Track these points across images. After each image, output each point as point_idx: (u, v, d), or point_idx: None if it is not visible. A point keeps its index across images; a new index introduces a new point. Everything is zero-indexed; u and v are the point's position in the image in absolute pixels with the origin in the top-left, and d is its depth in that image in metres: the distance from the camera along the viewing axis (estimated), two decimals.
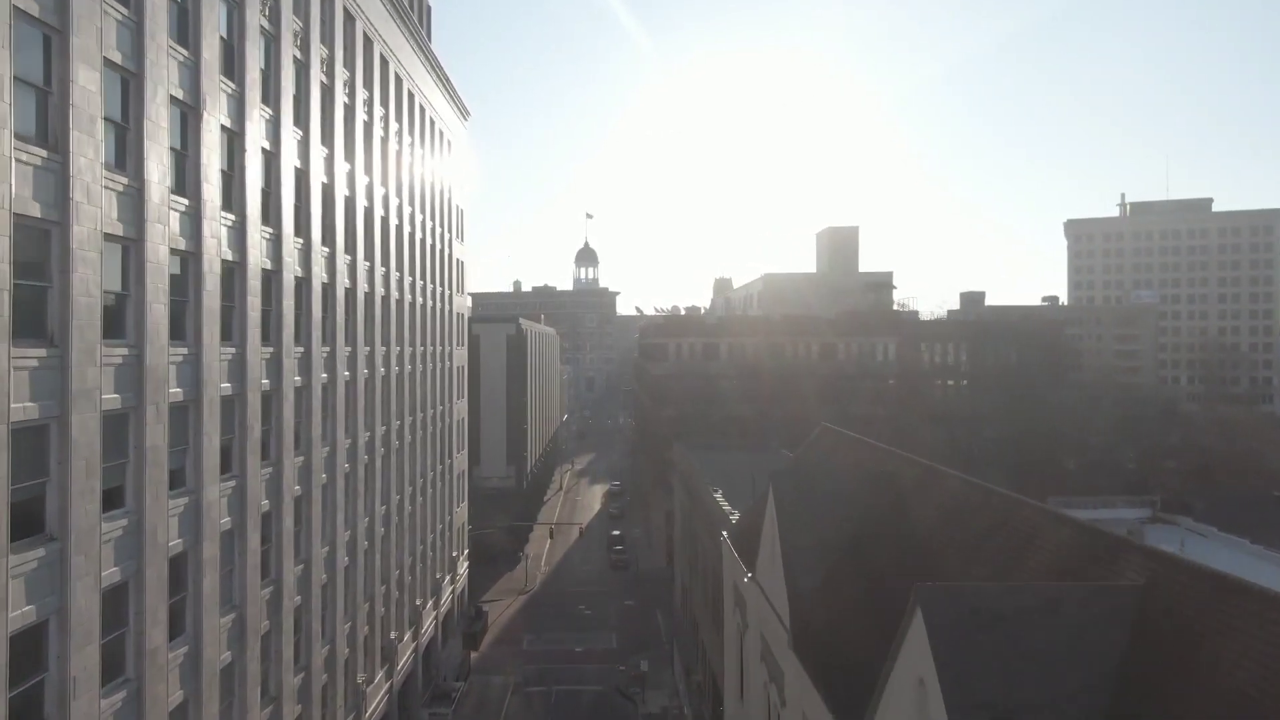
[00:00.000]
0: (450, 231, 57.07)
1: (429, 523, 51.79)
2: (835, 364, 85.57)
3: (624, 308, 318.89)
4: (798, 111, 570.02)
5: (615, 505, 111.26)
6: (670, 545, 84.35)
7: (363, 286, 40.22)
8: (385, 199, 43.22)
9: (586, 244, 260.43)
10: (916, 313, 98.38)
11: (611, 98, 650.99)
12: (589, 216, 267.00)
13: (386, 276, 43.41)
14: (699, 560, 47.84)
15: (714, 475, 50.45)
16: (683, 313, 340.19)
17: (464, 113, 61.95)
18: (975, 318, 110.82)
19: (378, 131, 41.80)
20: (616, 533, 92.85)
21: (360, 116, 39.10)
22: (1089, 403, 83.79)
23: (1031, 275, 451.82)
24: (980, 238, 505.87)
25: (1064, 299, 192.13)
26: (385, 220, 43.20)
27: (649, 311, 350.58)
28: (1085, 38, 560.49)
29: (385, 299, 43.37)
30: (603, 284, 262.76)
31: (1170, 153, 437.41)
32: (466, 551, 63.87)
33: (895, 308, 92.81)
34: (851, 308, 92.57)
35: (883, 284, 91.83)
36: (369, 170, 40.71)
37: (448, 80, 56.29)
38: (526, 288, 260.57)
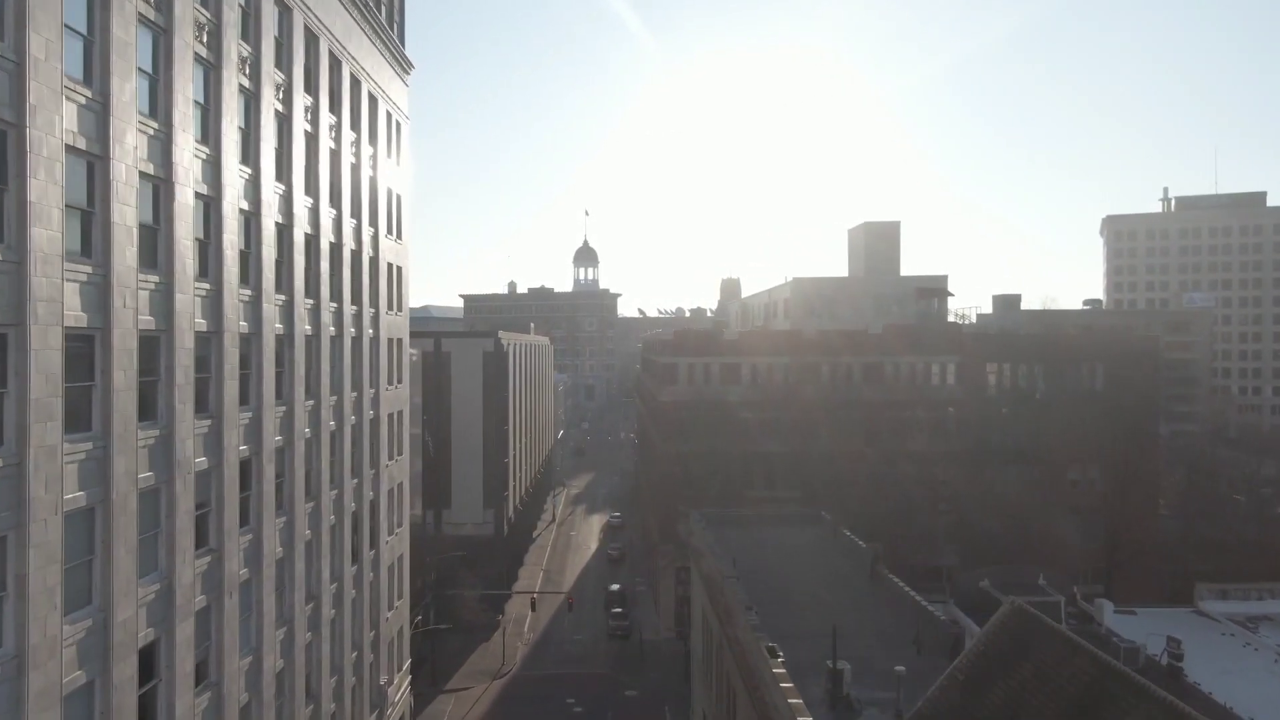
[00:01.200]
0: (379, 228, 41.58)
1: (342, 646, 36.30)
2: (884, 389, 70.10)
3: (626, 309, 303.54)
4: (803, 109, 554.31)
5: (615, 544, 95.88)
6: (680, 609, 68.93)
7: (236, 323, 25.15)
8: (252, 186, 27.81)
9: (585, 243, 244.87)
10: (967, 323, 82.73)
11: (612, 96, 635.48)
12: (587, 213, 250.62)
13: (255, 305, 28.00)
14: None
15: (757, 580, 35.00)
16: (687, 314, 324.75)
17: (403, 65, 46.40)
18: (1045, 329, 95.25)
19: (231, 79, 26.38)
20: (615, 588, 77.54)
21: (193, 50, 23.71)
22: (1209, 436, 68.20)
23: (1054, 277, 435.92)
24: (996, 238, 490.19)
25: (1071, 303, 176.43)
26: (251, 217, 27.77)
27: (651, 314, 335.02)
28: (1112, 26, 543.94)
29: (256, 336, 27.98)
30: (603, 285, 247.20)
31: (1207, 146, 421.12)
32: (408, 664, 48.27)
33: (951, 318, 77.53)
34: (899, 319, 76.98)
35: (936, 290, 76.29)
36: (210, 143, 25.34)
37: (377, 24, 40.75)
38: (522, 289, 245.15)
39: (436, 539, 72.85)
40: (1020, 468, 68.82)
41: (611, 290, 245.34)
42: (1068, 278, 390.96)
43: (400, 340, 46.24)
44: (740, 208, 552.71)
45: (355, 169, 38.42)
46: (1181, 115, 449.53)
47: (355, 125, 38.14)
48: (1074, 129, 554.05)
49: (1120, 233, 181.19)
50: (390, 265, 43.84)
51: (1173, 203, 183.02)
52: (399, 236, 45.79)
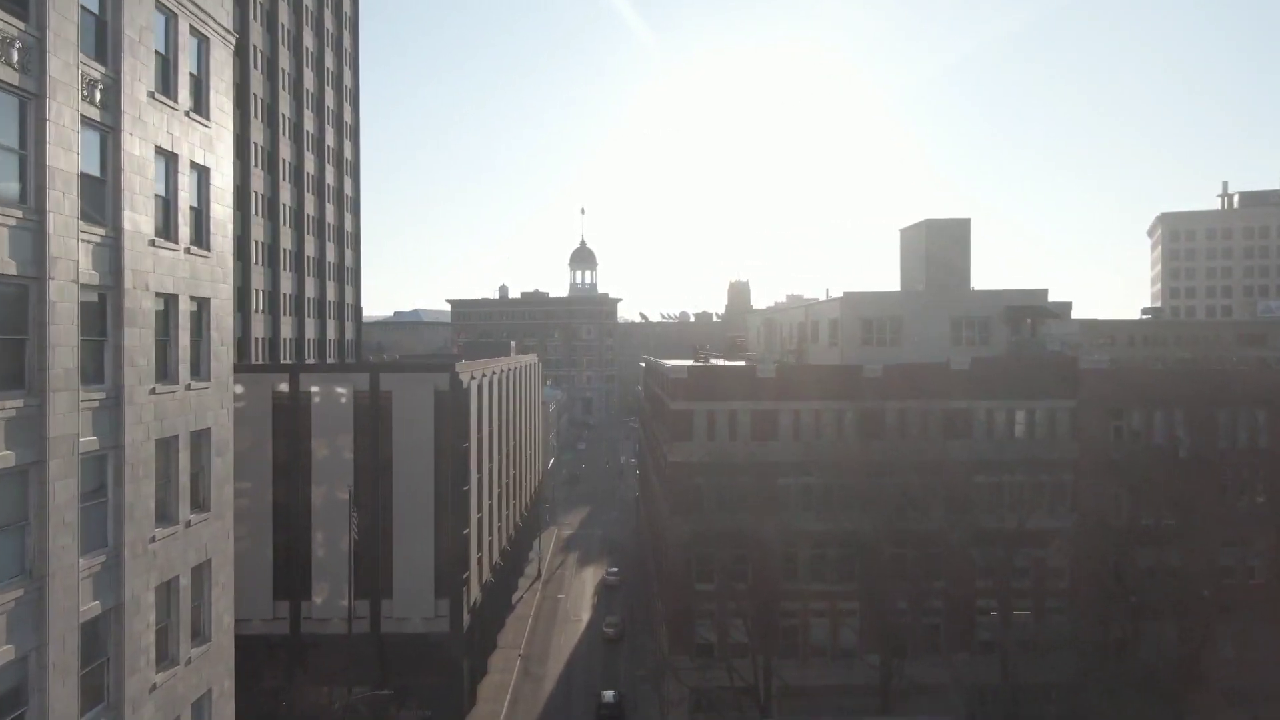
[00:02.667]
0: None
1: None
2: (973, 446, 51.86)
3: (626, 313, 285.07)
4: (807, 107, 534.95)
5: (612, 619, 77.53)
6: None
7: None
8: None
9: (583, 243, 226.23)
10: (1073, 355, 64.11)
11: (611, 95, 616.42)
12: (583, 211, 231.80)
13: None
14: None
15: None
16: (692, 319, 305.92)
17: None
18: (1110, 343, 76.82)
19: None
20: (609, 697, 59.43)
21: None
22: None
23: (1071, 281, 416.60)
24: (1010, 241, 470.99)
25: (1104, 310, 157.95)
26: None
27: (654, 318, 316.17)
28: (1139, 19, 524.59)
29: None
30: (602, 289, 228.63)
31: (1212, 146, 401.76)
32: None
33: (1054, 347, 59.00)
34: (979, 347, 58.60)
35: (1034, 309, 57.74)
36: None
37: None
38: (515, 293, 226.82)
39: (370, 643, 54.61)
40: (1154, 550, 50.54)
41: (611, 295, 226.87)
42: (1087, 281, 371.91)
43: (209, 304, 27.81)
44: (745, 208, 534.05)
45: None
46: (1206, 111, 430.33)
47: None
48: (1092, 128, 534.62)
49: (1176, 232, 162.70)
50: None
51: (1234, 199, 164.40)
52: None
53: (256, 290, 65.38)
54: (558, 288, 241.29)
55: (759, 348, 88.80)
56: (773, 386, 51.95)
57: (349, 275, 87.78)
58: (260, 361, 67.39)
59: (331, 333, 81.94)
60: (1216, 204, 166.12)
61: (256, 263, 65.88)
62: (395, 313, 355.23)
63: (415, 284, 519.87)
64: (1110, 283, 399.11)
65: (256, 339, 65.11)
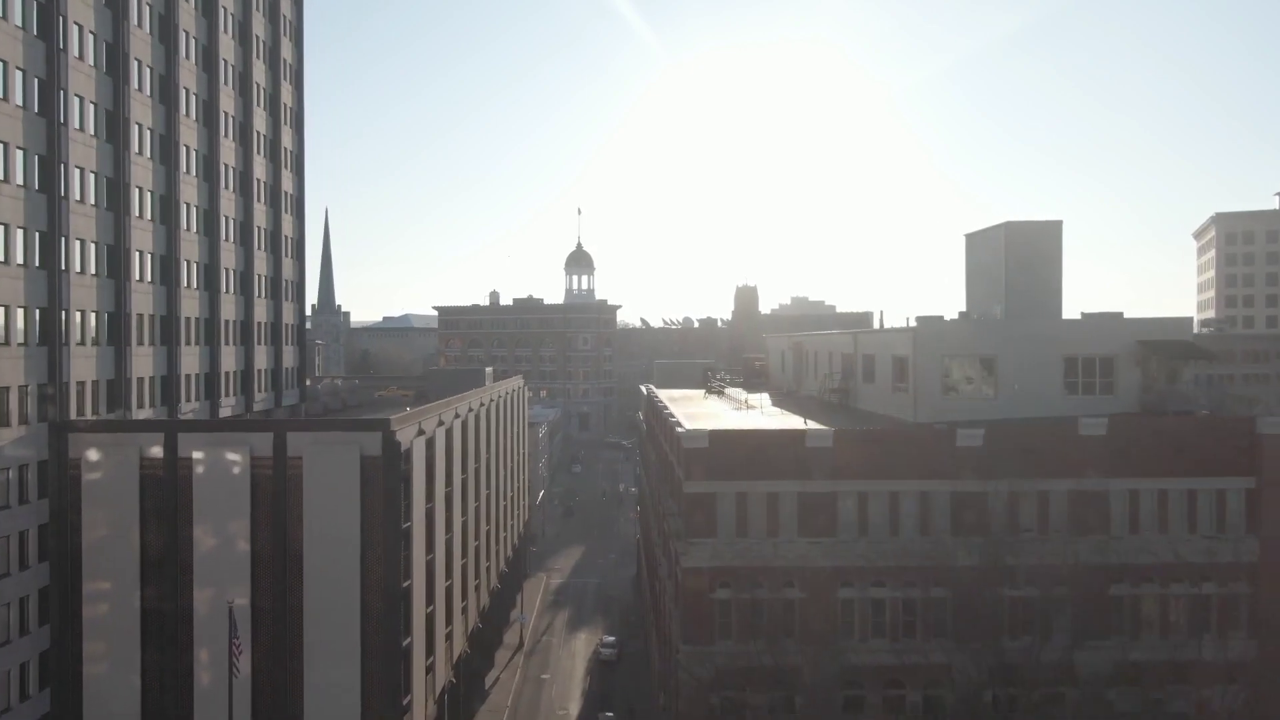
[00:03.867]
0: None
1: None
2: (1110, 544, 36.87)
3: (626, 319, 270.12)
4: (812, 109, 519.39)
5: (608, 717, 62.48)
6: None
7: None
8: None
9: (579, 246, 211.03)
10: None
11: (611, 97, 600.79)
12: (580, 212, 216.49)
13: None
14: None
15: None
16: (696, 324, 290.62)
17: None
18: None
19: None
20: None
21: None
22: None
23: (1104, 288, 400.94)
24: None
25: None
26: None
27: (655, 324, 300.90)
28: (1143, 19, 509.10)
29: None
30: (600, 295, 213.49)
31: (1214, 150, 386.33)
32: None
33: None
34: (1104, 395, 43.35)
35: (1179, 345, 42.43)
36: None
37: None
38: (506, 300, 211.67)
39: None
40: None
41: (610, 301, 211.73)
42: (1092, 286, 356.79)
43: None
44: (747, 210, 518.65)
45: None
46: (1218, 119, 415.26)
47: None
48: (1112, 132, 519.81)
49: (1233, 235, 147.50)
50: None
51: None
52: None
53: (140, 315, 50.31)
54: (554, 294, 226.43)
55: (784, 377, 73.88)
56: (829, 460, 36.91)
57: (289, 290, 72.73)
58: (157, 405, 52.41)
59: (263, 360, 66.89)
60: (1272, 204, 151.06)
61: (142, 279, 50.82)
62: (384, 318, 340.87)
63: (409, 288, 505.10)
64: (1116, 287, 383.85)
65: (140, 379, 50.02)
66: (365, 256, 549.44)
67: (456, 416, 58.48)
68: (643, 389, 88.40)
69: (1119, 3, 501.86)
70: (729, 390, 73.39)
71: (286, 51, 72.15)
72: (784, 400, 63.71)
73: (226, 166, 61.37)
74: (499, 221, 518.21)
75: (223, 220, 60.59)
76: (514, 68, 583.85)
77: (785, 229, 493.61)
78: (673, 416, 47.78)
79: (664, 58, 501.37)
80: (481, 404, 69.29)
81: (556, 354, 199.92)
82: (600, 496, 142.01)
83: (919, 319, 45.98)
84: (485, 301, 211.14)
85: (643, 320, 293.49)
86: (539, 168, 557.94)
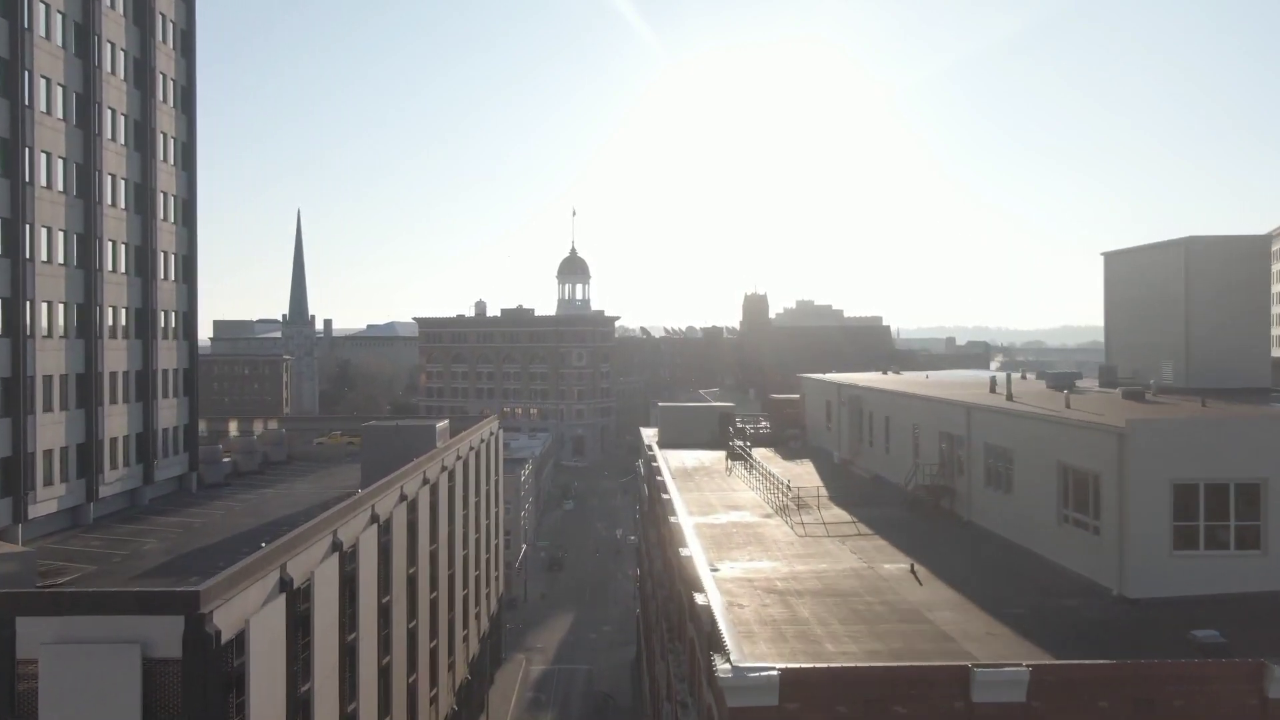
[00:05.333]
0: None
1: None
2: None
3: (625, 329, 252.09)
4: (814, 109, 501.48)
5: None
6: None
7: None
8: None
9: (573, 252, 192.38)
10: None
11: (610, 102, 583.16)
12: (574, 214, 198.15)
13: None
14: None
15: None
16: (700, 334, 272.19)
17: None
18: None
19: None
20: None
21: None
22: None
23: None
24: (1015, 243, 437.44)
25: None
26: None
27: (656, 334, 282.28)
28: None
29: None
30: (596, 305, 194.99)
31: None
32: None
33: None
34: None
35: None
36: None
37: None
38: (494, 310, 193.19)
39: None
40: None
41: (607, 312, 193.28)
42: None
43: None
44: (748, 216, 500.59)
45: None
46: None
47: None
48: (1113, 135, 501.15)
49: None
50: None
51: None
52: None
53: None
54: (546, 305, 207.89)
55: (829, 434, 55.78)
56: None
57: (173, 324, 54.45)
58: None
59: (123, 424, 48.56)
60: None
61: None
62: (369, 326, 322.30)
63: (399, 293, 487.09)
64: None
65: None
66: (361, 260, 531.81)
67: (374, 521, 40.26)
68: (649, 450, 69.73)
69: (1118, 5, 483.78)
70: (758, 456, 55.26)
71: (172, 12, 53.93)
72: (841, 482, 45.47)
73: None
74: (493, 226, 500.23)
75: (43, 232, 42.25)
76: (513, 69, 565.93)
77: (788, 230, 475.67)
78: (684, 542, 29.96)
79: (664, 58, 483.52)
80: (426, 482, 51.18)
81: (548, 370, 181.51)
82: (595, 537, 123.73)
83: (1128, 410, 27.60)
84: (470, 312, 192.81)
85: (643, 330, 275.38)
86: (536, 170, 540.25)
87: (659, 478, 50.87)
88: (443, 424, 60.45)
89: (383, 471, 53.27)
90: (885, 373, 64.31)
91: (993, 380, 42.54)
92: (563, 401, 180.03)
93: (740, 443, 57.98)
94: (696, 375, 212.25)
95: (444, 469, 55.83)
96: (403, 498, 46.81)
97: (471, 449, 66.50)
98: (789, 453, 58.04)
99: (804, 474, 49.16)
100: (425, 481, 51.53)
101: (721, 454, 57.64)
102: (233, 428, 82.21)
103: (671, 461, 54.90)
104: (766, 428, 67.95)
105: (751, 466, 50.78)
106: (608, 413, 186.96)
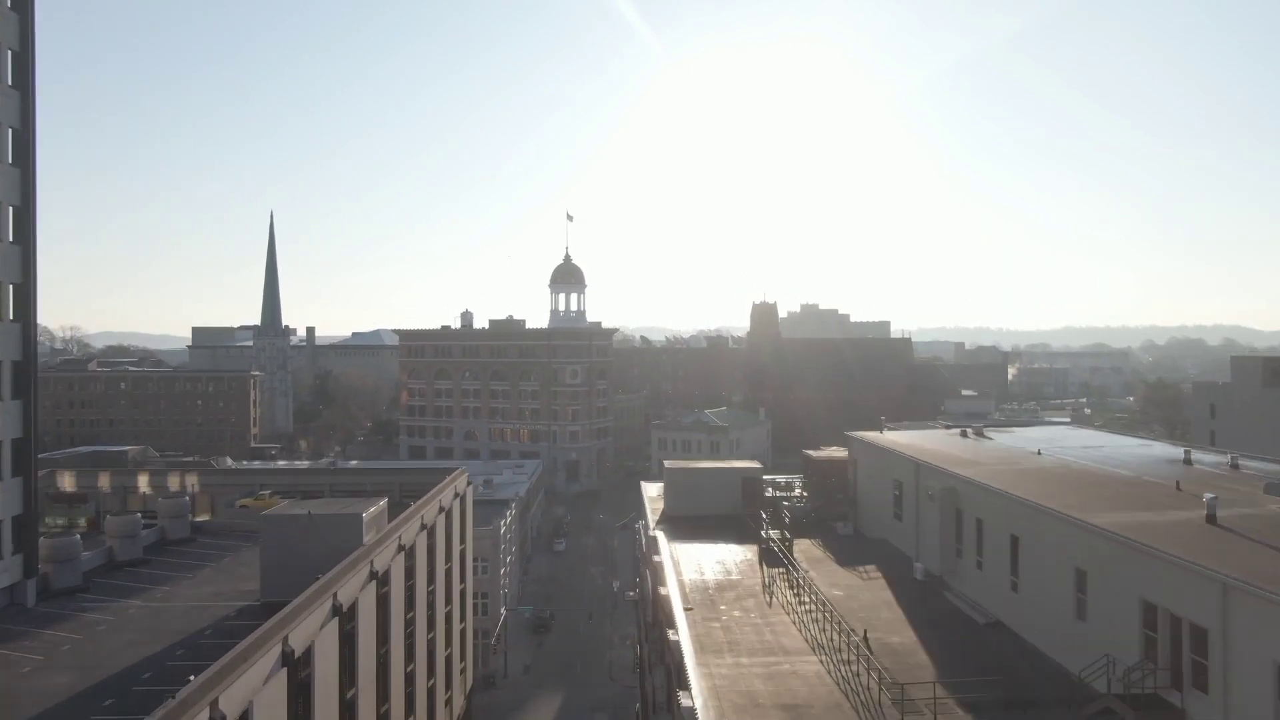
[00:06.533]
0: None
1: None
2: None
3: (622, 340, 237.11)
4: (815, 109, 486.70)
5: None
6: None
7: None
8: None
9: (567, 258, 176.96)
10: None
11: (609, 106, 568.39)
12: (570, 218, 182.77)
13: None
14: None
15: None
16: (704, 343, 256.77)
17: None
18: None
19: None
20: None
21: None
22: None
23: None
24: (1017, 244, 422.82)
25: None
26: None
27: (657, 341, 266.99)
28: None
29: None
30: (593, 316, 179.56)
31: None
32: None
33: None
34: None
35: None
36: None
37: None
38: (481, 321, 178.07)
39: None
40: None
41: (604, 324, 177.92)
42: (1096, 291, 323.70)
43: None
44: (751, 215, 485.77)
45: None
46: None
47: None
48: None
49: None
50: None
51: None
52: None
53: None
54: (538, 318, 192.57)
55: (897, 523, 40.87)
56: None
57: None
58: None
59: None
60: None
61: None
62: (353, 334, 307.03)
63: (388, 299, 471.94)
64: (1120, 287, 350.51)
65: None
66: (353, 264, 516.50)
67: (286, 662, 25.29)
68: (644, 499, 54.53)
69: (1118, 5, 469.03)
70: (801, 556, 40.21)
71: None
72: (949, 632, 30.10)
73: None
74: (488, 230, 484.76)
75: None
76: (512, 69, 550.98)
77: (789, 232, 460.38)
78: None
79: (664, 58, 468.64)
80: (372, 576, 36.26)
81: (539, 388, 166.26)
82: (588, 588, 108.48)
83: None
84: (456, 324, 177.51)
85: (643, 339, 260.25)
86: (533, 173, 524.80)
87: (663, 592, 35.92)
88: (375, 509, 45.16)
89: (287, 578, 38.87)
90: (965, 434, 48.97)
91: (1211, 505, 26.37)
92: (555, 422, 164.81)
93: (776, 534, 42.79)
94: (700, 389, 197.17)
95: (373, 575, 40.63)
96: (335, 611, 32.43)
97: (424, 527, 51.38)
98: (843, 549, 42.97)
99: (879, 603, 34.11)
100: (372, 576, 36.91)
101: (751, 551, 42.63)
102: (143, 482, 66.96)
103: (684, 568, 39.81)
104: (803, 497, 52.98)
105: (799, 588, 35.64)
106: (604, 434, 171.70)
